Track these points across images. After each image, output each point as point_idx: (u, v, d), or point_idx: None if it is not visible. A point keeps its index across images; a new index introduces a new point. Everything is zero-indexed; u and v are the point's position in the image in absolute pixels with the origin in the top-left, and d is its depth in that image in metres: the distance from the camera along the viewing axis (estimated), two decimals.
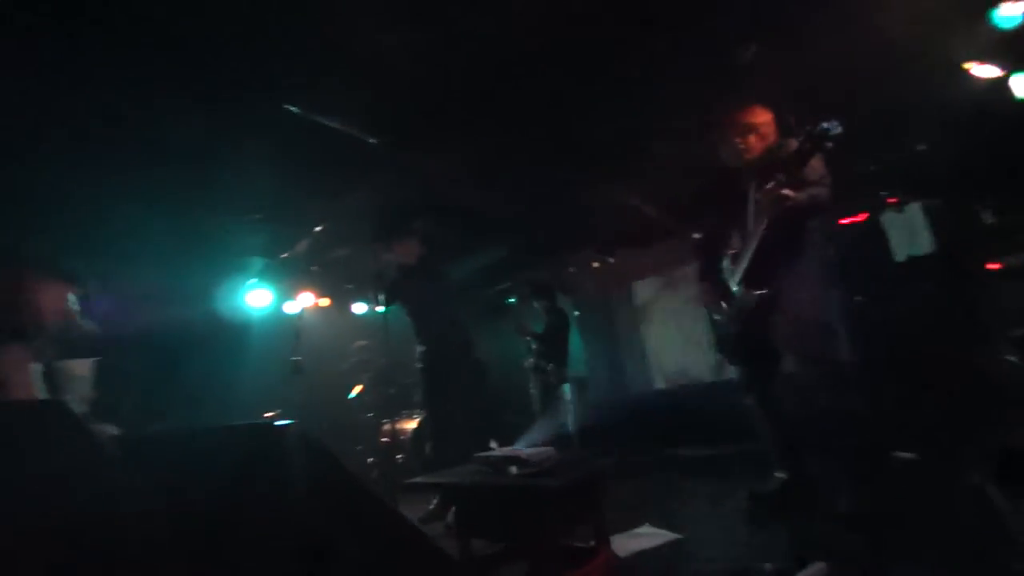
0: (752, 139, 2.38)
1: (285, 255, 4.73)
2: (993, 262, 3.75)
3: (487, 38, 2.42)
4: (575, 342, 5.48)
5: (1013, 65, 3.10)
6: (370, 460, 5.01)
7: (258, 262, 4.85)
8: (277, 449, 0.81)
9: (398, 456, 4.89)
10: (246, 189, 3.43)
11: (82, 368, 1.84)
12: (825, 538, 1.97)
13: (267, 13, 2.15)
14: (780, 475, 2.38)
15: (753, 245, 2.29)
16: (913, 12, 2.58)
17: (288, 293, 5.19)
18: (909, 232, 4.67)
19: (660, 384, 6.19)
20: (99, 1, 2.00)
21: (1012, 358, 3.14)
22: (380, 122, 2.98)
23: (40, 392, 1.29)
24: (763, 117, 2.40)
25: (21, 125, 2.44)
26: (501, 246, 5.17)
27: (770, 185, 2.14)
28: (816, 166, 2.19)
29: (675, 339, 6.01)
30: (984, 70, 3.13)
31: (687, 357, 5.85)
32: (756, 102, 2.44)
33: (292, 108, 2.74)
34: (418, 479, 2.43)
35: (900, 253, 4.69)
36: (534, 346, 5.06)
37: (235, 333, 4.79)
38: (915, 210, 4.60)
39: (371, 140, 3.05)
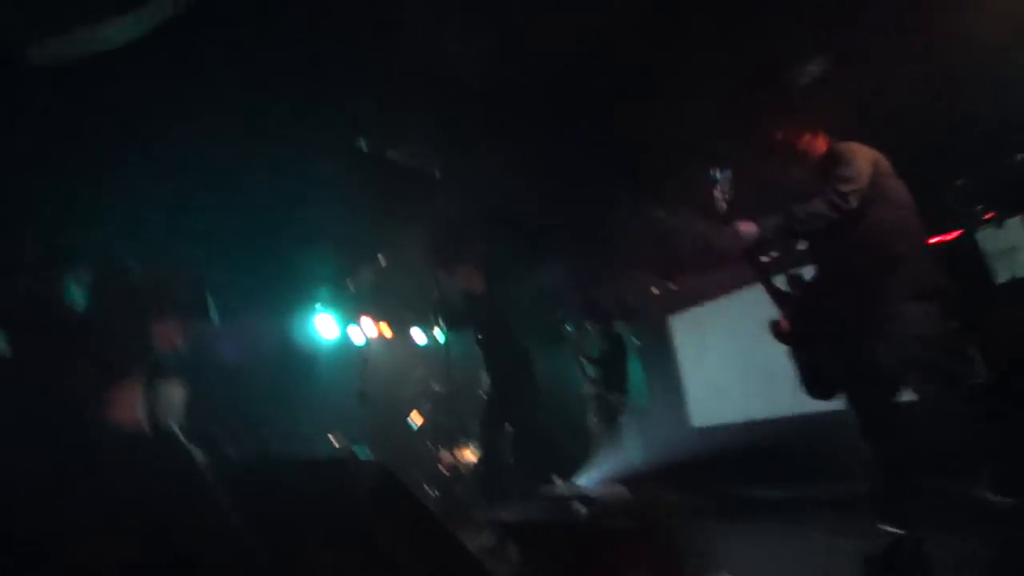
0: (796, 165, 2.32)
1: (350, 283, 4.92)
2: None
3: (547, 52, 2.43)
4: (636, 372, 5.29)
5: None
6: (428, 489, 5.00)
7: (325, 290, 5.08)
8: (361, 486, 0.80)
9: (456, 487, 4.85)
10: (314, 217, 3.61)
11: (172, 390, 1.96)
12: None
13: (330, 41, 2.27)
14: (889, 529, 2.09)
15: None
16: (1012, 8, 2.38)
17: (352, 320, 5.39)
18: (1009, 250, 4.24)
19: (727, 418, 5.84)
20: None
21: None
22: (441, 140, 3.05)
23: (140, 412, 1.38)
24: (809, 143, 2.29)
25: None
26: (560, 270, 5.14)
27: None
28: (845, 171, 2.06)
29: (742, 371, 5.67)
30: None
31: (755, 389, 5.49)
32: (823, 120, 2.34)
33: (362, 143, 2.87)
34: (480, 513, 2.39)
35: (1000, 274, 4.26)
36: (591, 373, 4.92)
37: (303, 358, 5.00)
38: (1016, 226, 4.18)
39: (435, 172, 3.14)
